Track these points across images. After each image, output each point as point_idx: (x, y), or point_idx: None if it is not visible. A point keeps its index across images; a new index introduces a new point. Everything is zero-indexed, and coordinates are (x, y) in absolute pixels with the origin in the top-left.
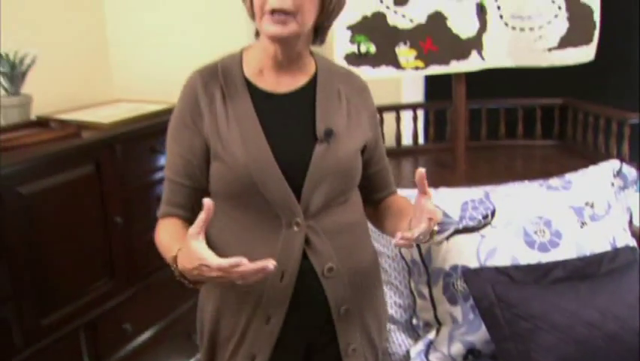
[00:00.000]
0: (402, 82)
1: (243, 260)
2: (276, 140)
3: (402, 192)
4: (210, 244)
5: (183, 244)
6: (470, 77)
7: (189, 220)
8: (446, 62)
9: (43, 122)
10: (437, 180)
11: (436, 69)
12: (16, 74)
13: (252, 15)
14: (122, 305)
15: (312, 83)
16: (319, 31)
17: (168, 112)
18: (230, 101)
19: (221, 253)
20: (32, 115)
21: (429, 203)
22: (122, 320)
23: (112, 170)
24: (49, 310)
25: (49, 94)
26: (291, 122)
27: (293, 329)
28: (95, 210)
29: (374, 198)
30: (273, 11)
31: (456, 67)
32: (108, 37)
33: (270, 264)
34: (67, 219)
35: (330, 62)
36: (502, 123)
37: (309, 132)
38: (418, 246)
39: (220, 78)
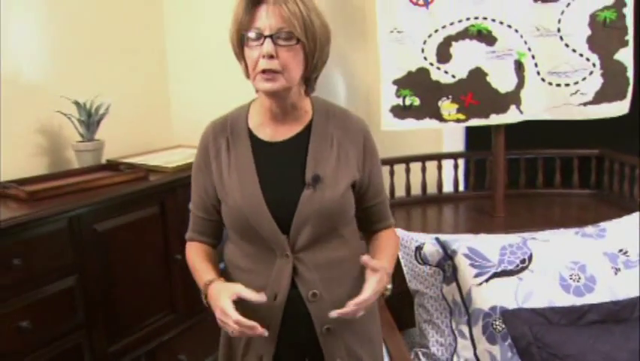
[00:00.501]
0: (443, 132)
1: (254, 325)
2: (268, 185)
3: (442, 237)
4: (226, 264)
5: (212, 277)
6: (510, 128)
7: (210, 244)
8: (486, 115)
9: (113, 166)
10: (477, 226)
11: (476, 122)
12: (91, 121)
13: (248, 75)
14: (179, 337)
15: (308, 131)
16: (308, 83)
17: None
18: (234, 150)
19: (230, 274)
20: (103, 159)
21: (374, 280)
22: (178, 351)
23: (174, 211)
24: (115, 338)
25: (117, 139)
26: (284, 168)
27: (288, 344)
28: (157, 248)
29: (369, 229)
30: (264, 71)
31: (495, 120)
32: (170, 89)
33: (265, 332)
34: (134, 255)
35: (330, 107)
36: (541, 173)
37: (299, 178)
38: (459, 287)
39: (228, 130)
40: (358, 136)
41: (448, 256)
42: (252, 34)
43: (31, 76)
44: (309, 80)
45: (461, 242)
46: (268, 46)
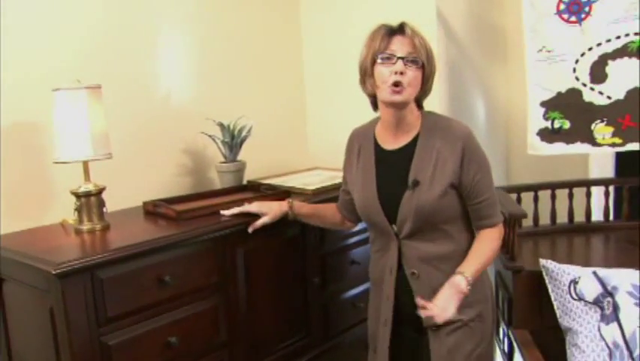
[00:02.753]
0: (589, 156)
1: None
2: (382, 185)
3: (600, 272)
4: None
5: (295, 202)
6: None
7: (341, 213)
8: None
9: (254, 187)
10: (630, 259)
11: (634, 146)
12: (234, 143)
13: (371, 91)
14: (315, 360)
15: (415, 142)
16: (419, 103)
17: None
18: (362, 154)
19: (371, 253)
20: (244, 179)
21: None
22: None
23: (313, 233)
24: (254, 358)
25: (257, 160)
26: (394, 171)
27: (404, 314)
28: (296, 270)
29: (475, 225)
30: (395, 84)
31: None
32: (307, 113)
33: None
34: (274, 276)
35: (436, 121)
36: None
37: (404, 181)
38: (621, 328)
39: (361, 137)
40: (457, 144)
41: (607, 292)
42: (386, 55)
43: (180, 98)
44: (419, 100)
45: (623, 278)
46: (400, 65)
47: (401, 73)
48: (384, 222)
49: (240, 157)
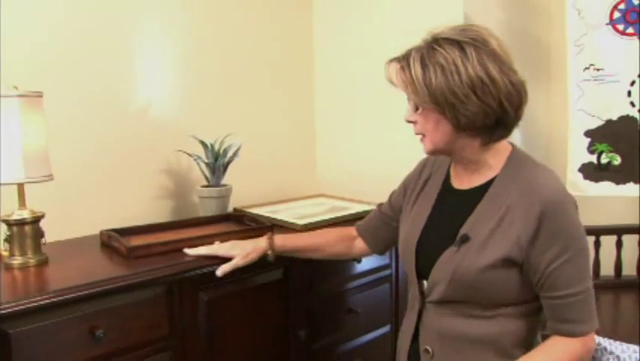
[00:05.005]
0: None
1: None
2: (428, 231)
3: None
4: None
5: (278, 238)
6: None
7: (363, 237)
8: None
9: (237, 217)
10: None
11: None
12: (218, 165)
13: None
14: None
15: (486, 187)
16: (480, 136)
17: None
18: (428, 187)
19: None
20: (230, 206)
21: None
22: None
23: (300, 278)
24: None
25: (253, 185)
26: (451, 217)
27: None
28: (276, 322)
29: (548, 325)
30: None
31: None
32: (316, 131)
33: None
34: (246, 330)
35: (522, 166)
36: None
37: (454, 232)
38: None
39: (436, 165)
40: (534, 207)
41: None
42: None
43: (162, 110)
44: (479, 133)
45: None
46: (406, 112)
47: (409, 122)
48: (412, 275)
49: (230, 180)
